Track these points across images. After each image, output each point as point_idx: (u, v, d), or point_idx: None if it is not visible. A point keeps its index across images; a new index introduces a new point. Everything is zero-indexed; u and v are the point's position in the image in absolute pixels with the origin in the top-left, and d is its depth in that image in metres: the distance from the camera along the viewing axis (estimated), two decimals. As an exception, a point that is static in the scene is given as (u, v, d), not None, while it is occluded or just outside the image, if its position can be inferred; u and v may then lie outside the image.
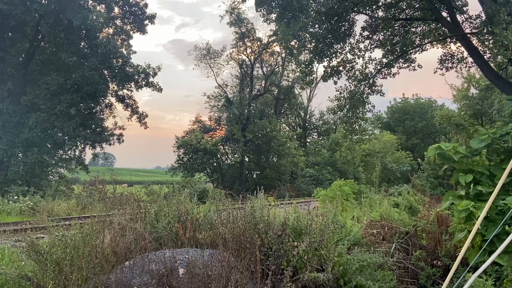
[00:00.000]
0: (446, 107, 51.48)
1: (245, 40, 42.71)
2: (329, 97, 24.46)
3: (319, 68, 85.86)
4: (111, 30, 31.67)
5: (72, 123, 26.69)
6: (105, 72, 29.95)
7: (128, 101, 32.76)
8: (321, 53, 17.88)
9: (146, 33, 31.85)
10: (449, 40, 18.27)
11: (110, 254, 4.98)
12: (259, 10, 17.37)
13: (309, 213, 6.48)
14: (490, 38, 15.09)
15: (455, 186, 6.52)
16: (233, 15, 41.09)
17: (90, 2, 29.48)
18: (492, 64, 16.70)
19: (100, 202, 6.38)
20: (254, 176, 44.49)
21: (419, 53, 19.11)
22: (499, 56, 16.77)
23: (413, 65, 19.21)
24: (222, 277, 4.59)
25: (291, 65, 43.77)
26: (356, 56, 18.87)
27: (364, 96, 19.48)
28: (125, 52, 31.44)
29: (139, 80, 31.71)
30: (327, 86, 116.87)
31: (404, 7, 17.83)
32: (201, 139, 40.80)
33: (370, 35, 18.58)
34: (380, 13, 18.06)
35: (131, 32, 32.13)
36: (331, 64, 18.74)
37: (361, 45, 18.81)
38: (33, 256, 4.66)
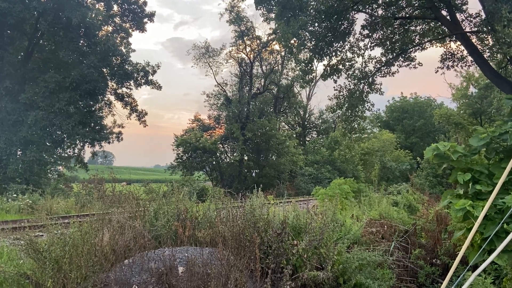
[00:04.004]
0: (445, 106, 51.60)
1: (245, 39, 42.66)
2: (328, 95, 24.49)
3: (319, 67, 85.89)
4: (110, 28, 31.61)
5: (71, 121, 26.65)
6: (104, 70, 29.91)
7: (127, 99, 32.76)
8: (321, 52, 17.86)
9: (145, 31, 31.85)
10: (449, 39, 18.26)
11: (109, 252, 4.97)
12: (258, 8, 17.34)
13: (308, 211, 6.48)
14: (490, 36, 15.10)
15: (454, 185, 6.53)
16: (232, 13, 41.07)
17: (89, 0, 29.43)
18: (491, 63, 16.71)
19: (99, 201, 6.37)
20: (253, 174, 44.50)
21: (419, 52, 19.11)
22: (498, 55, 16.78)
23: (413, 63, 19.19)
24: (222, 276, 4.59)
25: (291, 64, 43.84)
26: (355, 55, 18.85)
27: (364, 94, 19.47)
28: (124, 50, 31.41)
29: (138, 78, 31.69)
30: (327, 84, 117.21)
31: (404, 6, 17.81)
32: (200, 137, 40.78)
33: (370, 34, 18.56)
34: (380, 12, 18.02)
35: (130, 30, 32.08)
36: (330, 63, 18.73)
37: (361, 44, 18.80)
38: (32, 254, 4.65)
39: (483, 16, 15.11)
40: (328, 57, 18.29)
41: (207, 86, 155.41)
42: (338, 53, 18.55)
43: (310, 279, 5.01)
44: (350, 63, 19.03)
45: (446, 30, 17.35)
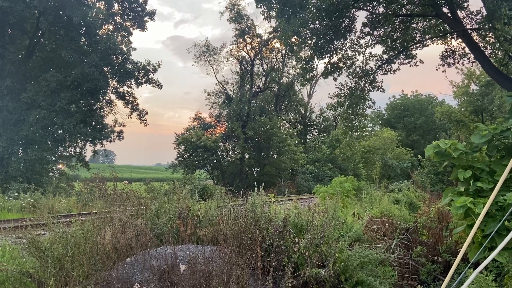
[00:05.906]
0: (447, 104, 51.54)
1: (245, 37, 42.63)
2: (329, 93, 24.47)
3: (320, 65, 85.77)
4: (111, 27, 31.60)
5: (72, 120, 26.69)
6: (105, 68, 29.91)
7: (128, 98, 32.78)
8: (322, 50, 17.86)
9: (146, 29, 31.82)
10: (450, 36, 18.23)
11: (111, 251, 4.99)
12: (259, 6, 17.33)
13: (309, 209, 6.48)
14: (491, 34, 15.07)
15: (455, 183, 6.52)
16: (233, 12, 41.03)
17: (90, -2, 29.41)
18: (492, 60, 16.68)
19: (101, 199, 6.38)
20: (255, 173, 44.50)
21: (420, 49, 19.09)
22: (499, 52, 16.75)
23: (414, 61, 19.18)
24: (224, 273, 4.60)
25: (292, 62, 43.77)
26: (356, 52, 18.87)
27: (365, 92, 19.48)
28: (125, 48, 31.40)
29: (139, 77, 31.70)
30: (328, 82, 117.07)
31: (405, 3, 17.79)
32: (201, 136, 40.80)
33: (371, 31, 18.55)
34: (381, 9, 18.03)
35: (130, 29, 32.06)
36: (331, 61, 18.72)
37: (362, 41, 18.81)
38: (34, 252, 4.67)
39: (484, 13, 15.07)
40: (329, 55, 18.30)
41: (208, 85, 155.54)
42: (339, 51, 18.56)
43: (311, 277, 5.02)
44: (351, 61, 19.03)
45: (447, 27, 17.32)
